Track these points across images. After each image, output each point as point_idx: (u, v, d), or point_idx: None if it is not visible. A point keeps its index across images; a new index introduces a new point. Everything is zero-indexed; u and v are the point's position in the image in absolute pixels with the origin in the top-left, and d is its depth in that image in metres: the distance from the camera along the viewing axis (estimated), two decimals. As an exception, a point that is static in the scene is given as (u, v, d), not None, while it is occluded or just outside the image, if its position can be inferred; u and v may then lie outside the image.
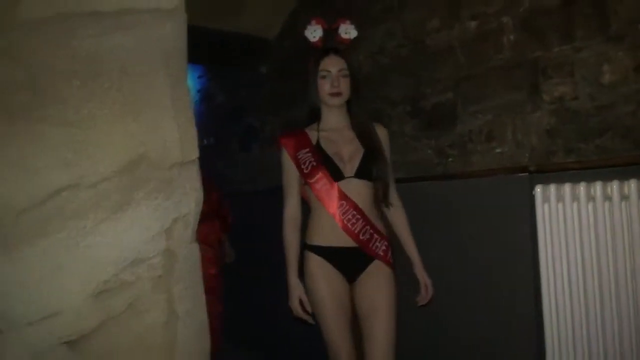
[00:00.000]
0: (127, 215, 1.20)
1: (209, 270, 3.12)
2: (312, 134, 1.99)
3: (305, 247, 1.97)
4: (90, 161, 1.14)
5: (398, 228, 2.04)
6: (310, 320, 1.94)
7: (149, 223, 1.24)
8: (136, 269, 1.22)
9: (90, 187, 1.14)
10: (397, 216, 2.04)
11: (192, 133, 1.37)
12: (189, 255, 1.35)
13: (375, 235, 1.91)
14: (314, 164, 1.91)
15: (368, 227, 1.90)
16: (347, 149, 1.95)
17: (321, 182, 1.89)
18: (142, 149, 1.23)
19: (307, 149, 1.94)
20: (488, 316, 2.10)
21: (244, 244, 3.43)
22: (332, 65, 1.93)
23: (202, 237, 3.08)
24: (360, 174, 1.91)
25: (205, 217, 3.13)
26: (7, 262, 1.02)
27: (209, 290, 3.09)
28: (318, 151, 1.93)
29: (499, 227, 2.04)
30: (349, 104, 2.00)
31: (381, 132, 2.02)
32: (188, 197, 1.32)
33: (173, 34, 1.34)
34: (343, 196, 1.87)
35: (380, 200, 1.96)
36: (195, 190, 1.36)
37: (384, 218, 2.04)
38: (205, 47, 3.47)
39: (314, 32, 2.01)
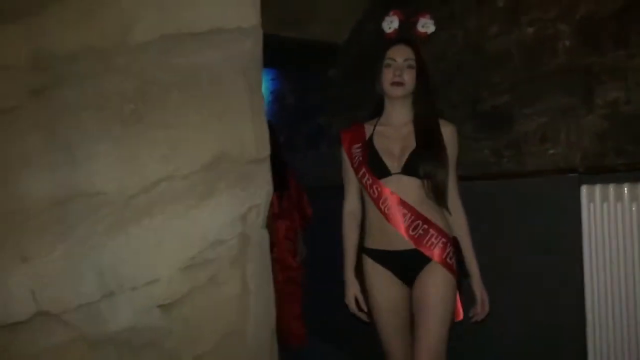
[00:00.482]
0: (210, 203, 1.40)
1: (291, 262, 3.23)
2: (369, 129, 1.91)
3: (361, 248, 1.90)
4: (183, 157, 1.35)
5: (456, 235, 1.85)
6: (364, 318, 1.89)
7: (228, 210, 1.44)
8: (217, 248, 1.42)
9: (182, 179, 1.35)
10: (455, 221, 1.85)
11: (265, 134, 1.55)
12: (260, 239, 1.53)
13: (432, 231, 1.76)
14: (360, 159, 1.84)
15: (420, 222, 1.76)
16: (399, 145, 1.82)
17: (365, 177, 1.82)
18: (224, 147, 1.43)
19: (359, 144, 1.87)
20: (534, 311, 2.15)
21: (316, 239, 3.52)
22: (398, 55, 1.82)
23: (283, 231, 3.23)
24: (408, 170, 1.78)
25: (286, 212, 3.29)
26: (120, 237, 1.23)
27: (291, 280, 3.24)
28: (367, 146, 1.85)
29: (548, 225, 2.08)
30: (414, 97, 1.86)
31: (447, 129, 1.85)
32: (261, 189, 1.50)
33: (252, 49, 1.52)
34: (387, 192, 1.78)
35: (436, 199, 1.80)
36: (267, 183, 1.54)
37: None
38: (278, 53, 3.69)
39: (391, 24, 1.91)
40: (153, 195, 1.28)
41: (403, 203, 1.77)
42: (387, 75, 1.82)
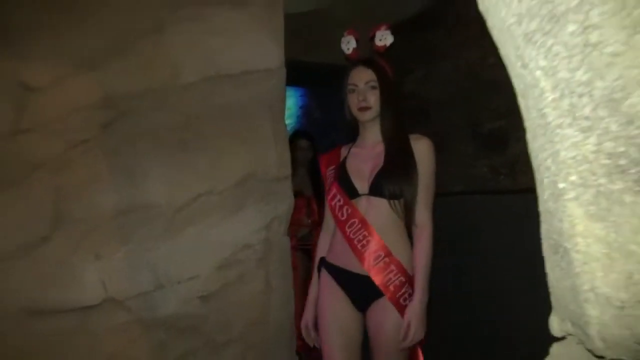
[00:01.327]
0: (240, 214, 1.60)
1: None
2: (345, 151, 1.80)
3: (321, 260, 1.75)
4: (219, 177, 1.55)
5: (414, 253, 1.61)
6: (312, 344, 1.73)
7: (254, 220, 1.64)
8: (245, 251, 1.62)
9: (218, 194, 1.55)
10: (417, 239, 1.62)
11: (287, 156, 1.73)
12: (282, 244, 1.72)
13: (392, 266, 1.58)
14: (331, 180, 1.74)
15: (382, 254, 1.59)
16: (370, 165, 1.67)
17: (335, 199, 1.69)
18: (252, 169, 1.63)
19: (334, 166, 1.77)
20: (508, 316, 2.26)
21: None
22: (359, 79, 1.67)
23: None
24: (374, 191, 1.62)
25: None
26: (169, 242, 1.44)
27: None
28: (340, 168, 1.73)
29: (530, 236, 2.21)
30: (380, 117, 1.70)
31: (418, 144, 1.65)
32: (282, 203, 1.70)
33: (276, 85, 1.71)
34: (355, 214, 1.63)
35: (405, 219, 1.62)
36: (288, 197, 1.72)
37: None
38: (306, 74, 3.89)
39: (348, 44, 1.75)
40: (195, 208, 1.49)
41: (369, 229, 1.61)
42: (353, 101, 1.69)
